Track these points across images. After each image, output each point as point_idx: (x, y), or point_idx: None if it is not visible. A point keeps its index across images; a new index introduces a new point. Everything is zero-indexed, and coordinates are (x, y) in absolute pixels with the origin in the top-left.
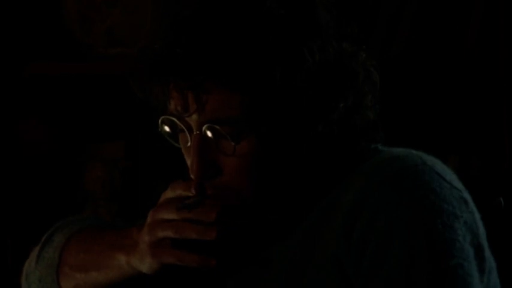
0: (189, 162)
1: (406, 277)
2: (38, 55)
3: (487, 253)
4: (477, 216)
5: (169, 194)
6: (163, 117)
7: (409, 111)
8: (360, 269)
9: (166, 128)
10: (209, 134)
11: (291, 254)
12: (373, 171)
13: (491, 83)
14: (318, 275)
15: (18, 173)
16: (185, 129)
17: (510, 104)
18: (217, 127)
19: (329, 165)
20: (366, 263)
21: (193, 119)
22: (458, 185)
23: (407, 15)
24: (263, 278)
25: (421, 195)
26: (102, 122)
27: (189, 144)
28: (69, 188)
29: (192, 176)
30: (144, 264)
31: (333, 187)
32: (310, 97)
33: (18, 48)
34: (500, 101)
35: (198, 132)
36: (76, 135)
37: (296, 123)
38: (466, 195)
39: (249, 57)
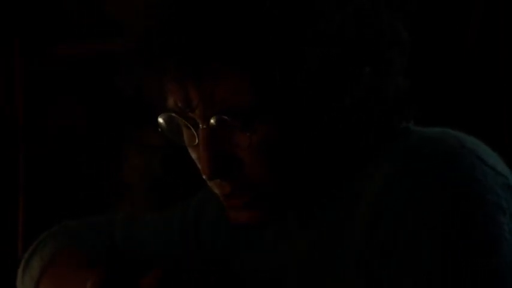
0: (198, 162)
1: (442, 278)
2: (70, 34)
3: None
4: None
5: None
6: (161, 115)
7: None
8: (388, 269)
9: (167, 127)
10: (218, 126)
11: (305, 251)
12: (401, 156)
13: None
14: (337, 274)
15: (51, 161)
16: (190, 126)
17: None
18: (227, 118)
19: (354, 147)
20: (396, 262)
21: (197, 113)
22: (504, 170)
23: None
24: (276, 277)
25: (461, 185)
26: (140, 105)
27: (196, 142)
28: (106, 178)
29: (204, 177)
30: None
31: (354, 174)
32: (329, 66)
33: (49, 27)
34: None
35: (205, 126)
36: (112, 120)
37: (316, 100)
38: None
39: (256, 32)
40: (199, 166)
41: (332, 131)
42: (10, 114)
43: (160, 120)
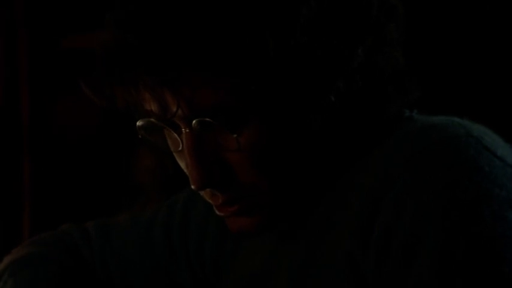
0: (185, 168)
1: (441, 285)
2: (79, 25)
3: None
4: None
5: None
6: (140, 122)
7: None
8: (381, 271)
9: (148, 133)
10: (202, 130)
11: (294, 251)
12: (399, 146)
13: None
14: (326, 275)
15: (59, 160)
16: (172, 131)
17: None
18: (210, 120)
19: (352, 136)
20: (391, 264)
21: (178, 117)
22: None
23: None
24: (263, 279)
25: (464, 176)
26: None
27: (180, 147)
28: (117, 179)
29: (192, 187)
30: None
31: (348, 167)
32: (316, 52)
33: (57, 18)
34: None
35: (188, 130)
36: (123, 119)
37: (304, 95)
38: None
39: (232, 36)
40: (187, 174)
41: (325, 125)
42: (15, 113)
43: (140, 126)
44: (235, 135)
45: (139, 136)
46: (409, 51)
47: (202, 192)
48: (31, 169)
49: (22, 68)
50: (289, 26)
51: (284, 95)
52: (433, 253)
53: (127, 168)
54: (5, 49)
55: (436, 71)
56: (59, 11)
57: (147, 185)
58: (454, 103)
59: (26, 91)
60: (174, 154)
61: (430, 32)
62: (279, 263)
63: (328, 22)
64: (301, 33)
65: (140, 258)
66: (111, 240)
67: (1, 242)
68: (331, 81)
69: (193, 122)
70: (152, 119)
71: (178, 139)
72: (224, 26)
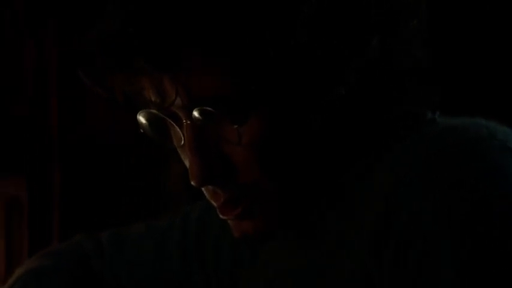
0: (187, 163)
1: (447, 284)
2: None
3: None
4: None
5: None
6: (140, 112)
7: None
8: (391, 271)
9: (150, 127)
10: (203, 120)
11: (303, 257)
12: (415, 148)
13: None
14: (334, 280)
15: (89, 166)
16: (173, 123)
17: None
18: (210, 109)
19: (359, 136)
20: (409, 275)
21: (178, 106)
22: None
23: None
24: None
25: (486, 180)
26: None
27: (183, 141)
28: (149, 185)
29: (192, 182)
30: None
31: (357, 169)
32: (316, 52)
33: (88, 13)
34: None
35: (189, 121)
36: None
37: (307, 89)
38: None
39: (234, 21)
40: (188, 169)
41: (328, 124)
42: (44, 118)
43: (141, 119)
44: (236, 126)
45: (141, 131)
46: (435, 51)
47: (204, 191)
48: (61, 175)
49: (51, 72)
50: (289, 25)
51: (285, 91)
52: (440, 253)
53: (158, 176)
54: (36, 53)
55: (462, 72)
56: (85, 13)
57: (178, 193)
58: (479, 105)
59: (55, 96)
60: (179, 151)
61: (456, 33)
62: (291, 270)
63: (329, 22)
64: (301, 33)
65: (154, 262)
66: (124, 248)
67: (31, 248)
68: (333, 80)
69: (194, 112)
70: (152, 110)
71: (180, 133)
72: (223, 17)
